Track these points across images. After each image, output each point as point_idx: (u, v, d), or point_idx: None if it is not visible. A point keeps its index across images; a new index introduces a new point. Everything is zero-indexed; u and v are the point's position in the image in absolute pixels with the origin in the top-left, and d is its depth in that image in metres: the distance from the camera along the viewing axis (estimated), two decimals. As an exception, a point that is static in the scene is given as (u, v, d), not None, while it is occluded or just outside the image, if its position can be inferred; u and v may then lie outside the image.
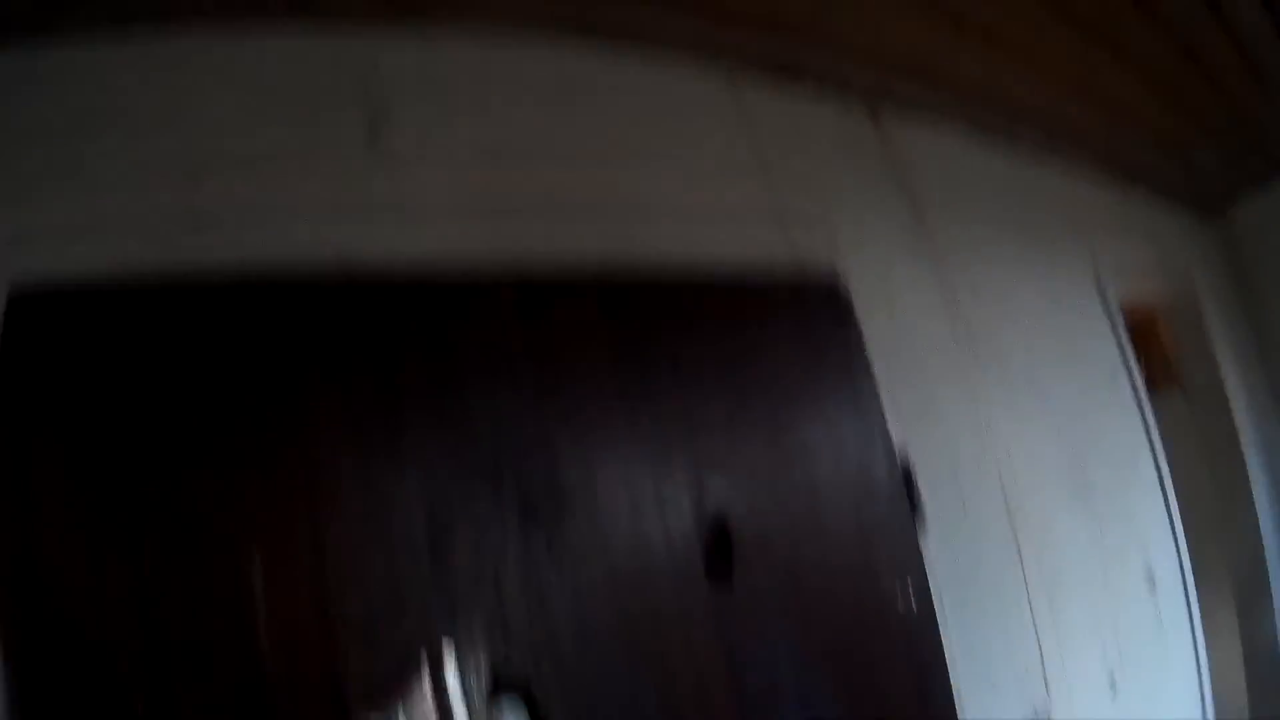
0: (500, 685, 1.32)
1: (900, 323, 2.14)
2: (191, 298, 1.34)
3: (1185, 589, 2.82)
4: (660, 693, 1.45)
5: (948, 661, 1.90)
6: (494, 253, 1.57)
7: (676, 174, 1.93)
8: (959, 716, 1.91)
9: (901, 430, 1.98)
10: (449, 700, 1.29)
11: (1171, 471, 2.88)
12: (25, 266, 1.26)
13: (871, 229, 2.25)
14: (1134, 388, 2.87)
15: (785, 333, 1.84)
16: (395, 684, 1.27)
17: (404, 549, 1.33)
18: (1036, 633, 2.23)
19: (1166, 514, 2.83)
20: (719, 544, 1.58)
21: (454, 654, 1.30)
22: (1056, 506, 2.41)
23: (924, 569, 1.90)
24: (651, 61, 2.05)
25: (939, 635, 1.90)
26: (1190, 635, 2.80)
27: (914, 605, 1.86)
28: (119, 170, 1.40)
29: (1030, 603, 2.23)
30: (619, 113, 1.93)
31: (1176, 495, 2.86)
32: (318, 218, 1.50)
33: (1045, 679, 2.23)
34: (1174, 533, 2.84)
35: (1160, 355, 3.59)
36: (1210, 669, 2.79)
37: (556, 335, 1.55)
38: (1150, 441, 2.85)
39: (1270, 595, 3.14)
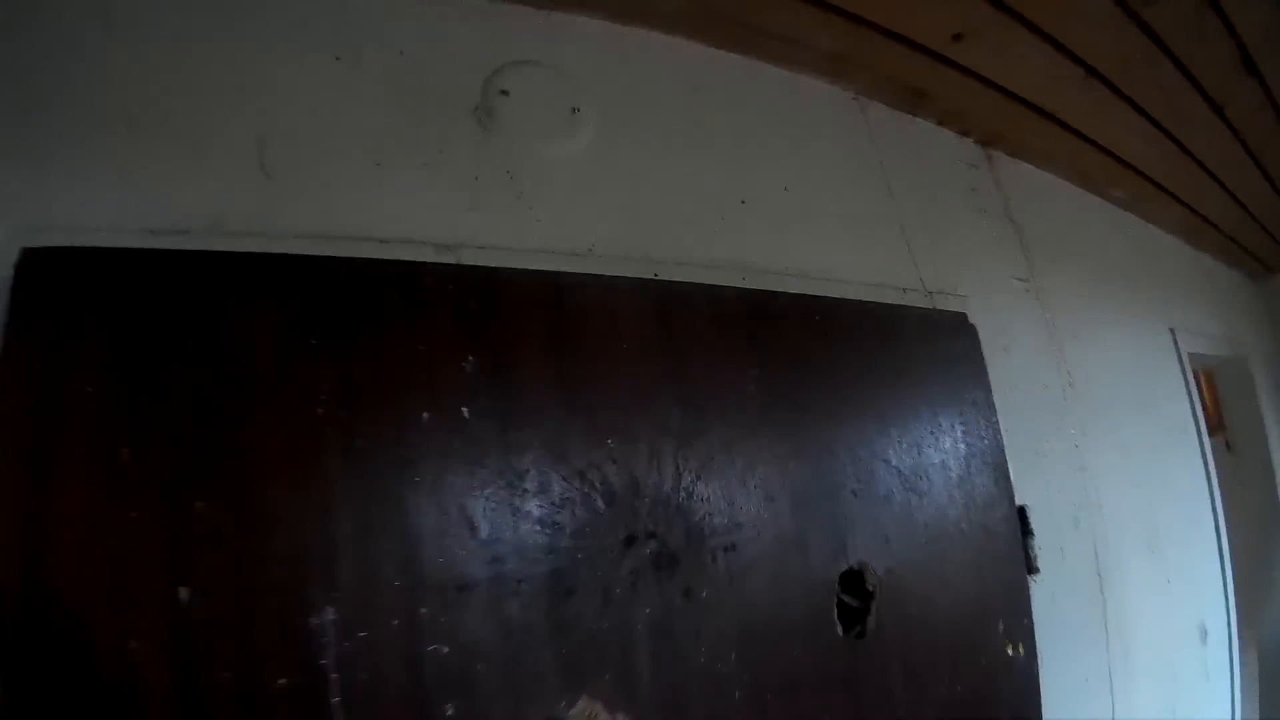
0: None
1: (1014, 364, 1.89)
2: (270, 270, 1.10)
3: (1230, 643, 2.55)
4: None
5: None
6: (620, 250, 1.33)
7: (808, 186, 1.68)
8: (1043, 766, 1.67)
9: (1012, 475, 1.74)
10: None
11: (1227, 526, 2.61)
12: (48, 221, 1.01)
13: (989, 266, 1.99)
14: (1201, 444, 2.60)
15: (920, 364, 1.58)
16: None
17: (517, 596, 1.07)
18: (1111, 684, 1.98)
19: (1220, 568, 2.56)
20: (856, 597, 1.33)
21: (574, 715, 1.05)
22: (1134, 557, 2.15)
23: (1031, 616, 1.66)
24: (783, 70, 1.81)
25: (1038, 685, 1.65)
26: (1229, 691, 2.54)
27: (1021, 653, 1.61)
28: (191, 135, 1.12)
29: (1108, 653, 1.99)
30: (751, 117, 1.68)
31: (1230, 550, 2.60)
32: (415, 200, 1.24)
33: (1113, 726, 1.99)
34: (1225, 586, 2.57)
35: (1205, 407, 3.32)
36: (1245, 725, 2.54)
37: (699, 348, 1.29)
38: (1212, 497, 2.58)
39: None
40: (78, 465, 0.95)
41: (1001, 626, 1.57)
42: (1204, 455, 2.59)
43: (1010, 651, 1.59)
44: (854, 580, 1.33)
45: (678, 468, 1.17)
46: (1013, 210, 2.19)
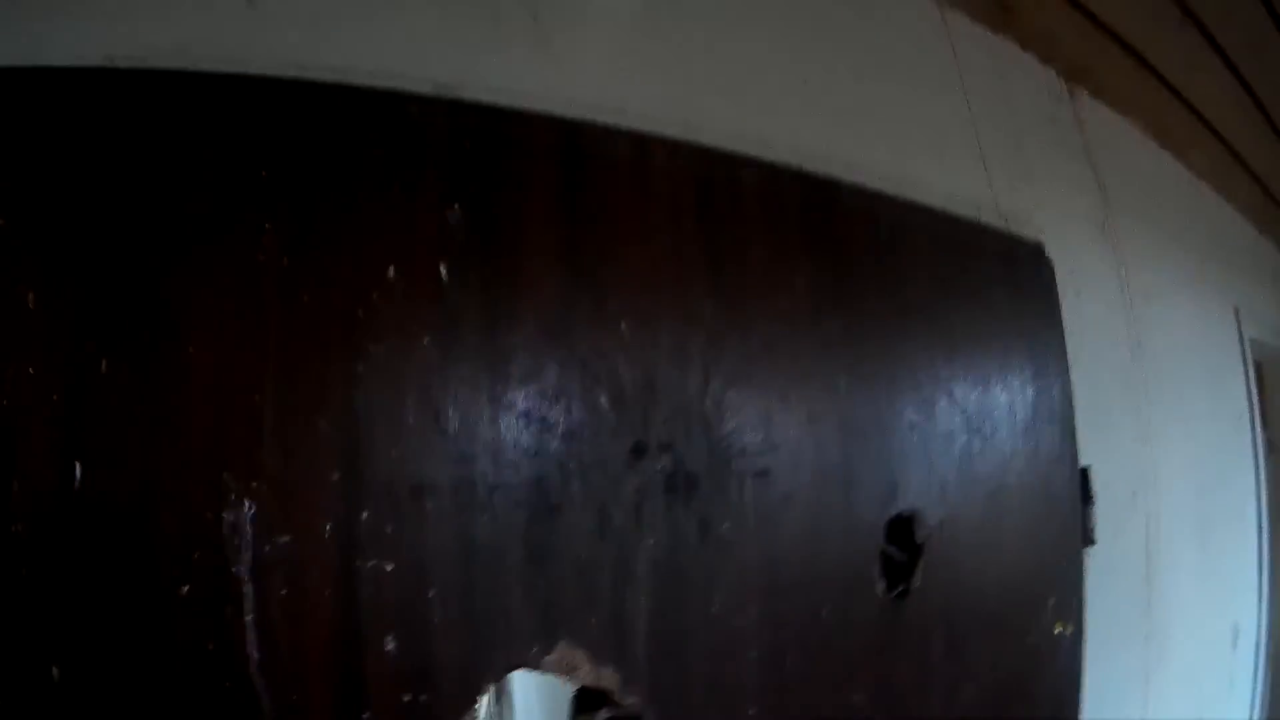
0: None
1: (1085, 311, 1.61)
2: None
3: (1258, 649, 2.32)
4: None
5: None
6: (659, 113, 1.03)
7: (879, 80, 1.38)
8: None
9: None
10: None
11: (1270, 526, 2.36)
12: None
13: (1065, 203, 1.71)
14: (1254, 435, 2.34)
15: (994, 291, 1.31)
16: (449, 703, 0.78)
17: (487, 509, 0.81)
18: (1146, 678, 1.74)
19: (1258, 569, 2.32)
20: (902, 549, 1.08)
21: (547, 668, 0.80)
22: (1183, 545, 1.90)
23: (1083, 595, 1.41)
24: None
25: (1081, 674, 1.41)
26: (1250, 699, 2.31)
27: (1069, 635, 1.37)
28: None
29: (1147, 646, 1.75)
30: (828, 8, 1.39)
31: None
32: (419, 35, 0.98)
33: (1142, 730, 1.76)
34: (1260, 591, 2.33)
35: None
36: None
37: (743, 229, 1.01)
38: (1258, 493, 2.33)
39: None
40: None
41: (1052, 602, 1.32)
42: (1255, 448, 2.33)
43: (1058, 631, 1.34)
44: (902, 530, 1.07)
45: (705, 368, 0.91)
46: (1092, 151, 1.89)
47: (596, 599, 0.82)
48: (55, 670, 0.73)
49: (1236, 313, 2.38)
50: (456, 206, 0.88)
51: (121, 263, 0.80)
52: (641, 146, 0.95)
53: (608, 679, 0.81)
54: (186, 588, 0.74)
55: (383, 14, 1.00)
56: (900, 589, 1.06)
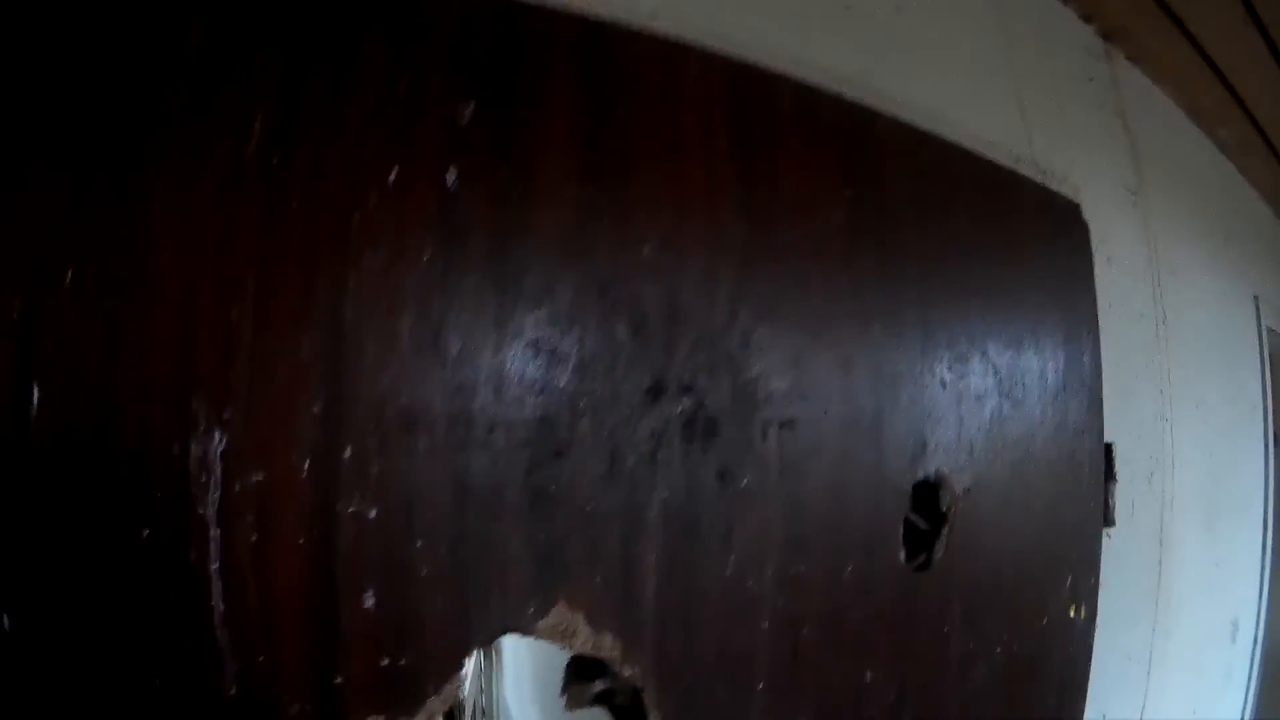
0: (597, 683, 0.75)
1: (1114, 280, 1.53)
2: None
3: (1255, 644, 2.28)
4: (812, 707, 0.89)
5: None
6: (692, 22, 0.91)
7: (922, 13, 1.27)
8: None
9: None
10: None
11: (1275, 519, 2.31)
12: None
13: (1100, 165, 1.62)
14: (1265, 427, 2.28)
15: (1031, 246, 1.22)
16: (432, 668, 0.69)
17: (485, 447, 0.72)
18: (1149, 668, 1.69)
19: (1261, 564, 2.27)
20: (925, 517, 1.00)
21: (541, 633, 0.72)
22: (1194, 531, 1.85)
23: (1099, 575, 1.35)
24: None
25: (1090, 657, 1.35)
26: (1244, 694, 2.28)
27: (1082, 616, 1.30)
28: None
29: (1154, 631, 1.69)
30: None
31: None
32: None
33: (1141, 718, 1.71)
34: (1261, 585, 2.29)
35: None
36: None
37: (779, 151, 0.90)
38: (1266, 485, 2.27)
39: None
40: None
41: (1069, 582, 1.25)
42: (1265, 439, 2.27)
43: (1073, 613, 1.28)
44: (927, 495, 0.99)
45: (734, 300, 0.81)
46: (1127, 116, 1.80)
47: (602, 554, 0.74)
48: (4, 618, 0.64)
49: (1256, 301, 2.31)
50: (472, 105, 0.77)
51: (90, 155, 0.70)
52: (672, 53, 0.85)
53: (608, 647, 0.73)
54: (147, 530, 0.65)
55: None
56: (922, 559, 0.98)
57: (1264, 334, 2.29)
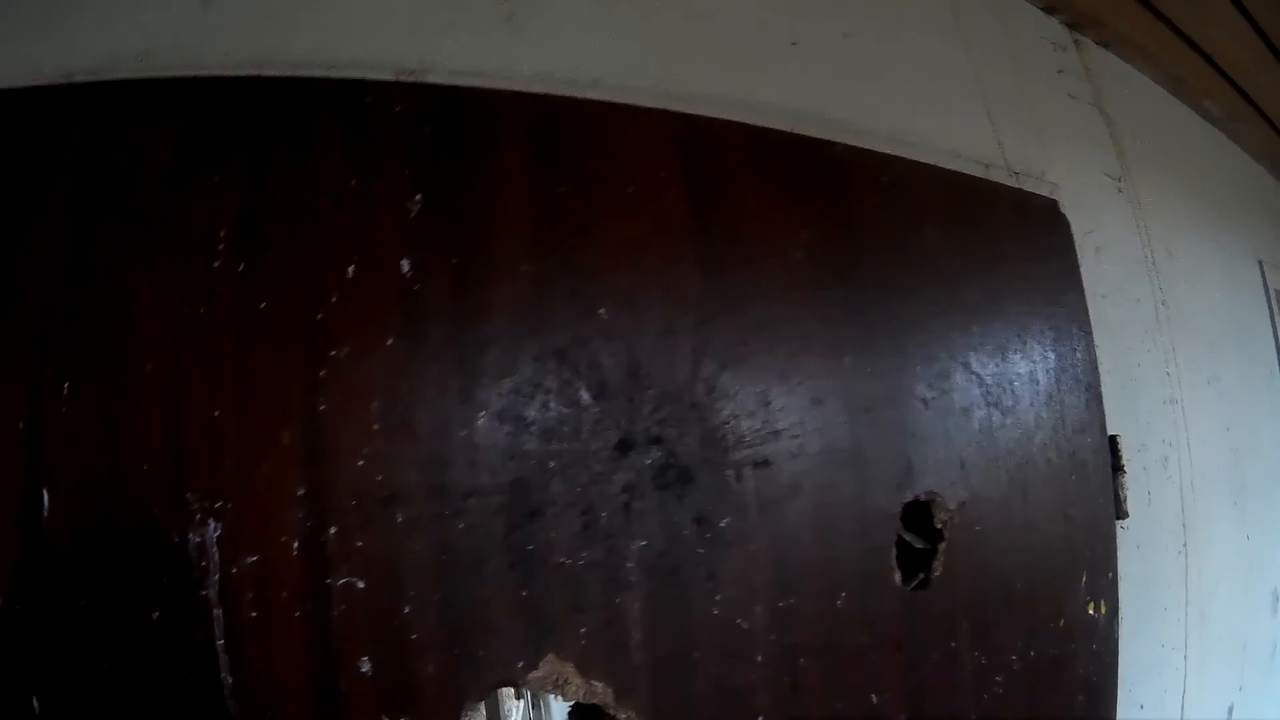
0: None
1: (1106, 269, 1.48)
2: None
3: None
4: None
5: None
6: (637, 83, 0.94)
7: (873, 34, 1.25)
8: (1114, 742, 1.33)
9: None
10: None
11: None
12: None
13: (1078, 156, 1.57)
14: (1286, 390, 2.18)
15: (1007, 252, 1.18)
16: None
17: (462, 515, 0.73)
18: (1186, 650, 1.62)
19: (1298, 530, 2.16)
20: (921, 536, 0.97)
21: (534, 684, 0.72)
22: (1220, 509, 1.77)
23: (1117, 570, 1.29)
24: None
25: (1117, 652, 1.29)
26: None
27: (1103, 613, 1.25)
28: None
29: (1186, 616, 1.62)
30: None
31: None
32: (378, 21, 0.90)
33: (1183, 703, 1.63)
34: (1301, 550, 2.17)
35: None
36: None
37: (732, 199, 0.89)
38: (1293, 450, 2.16)
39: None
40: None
41: (1085, 580, 1.20)
42: (1288, 402, 2.17)
43: (1092, 611, 1.23)
44: (919, 515, 0.97)
45: (696, 351, 0.80)
46: (1103, 103, 1.74)
47: (585, 607, 0.73)
48: (35, 701, 0.68)
49: (1261, 265, 2.22)
50: (418, 196, 0.79)
51: (77, 279, 0.75)
52: (616, 117, 0.85)
53: (600, 693, 0.72)
54: (157, 613, 0.69)
55: (343, 3, 0.92)
56: (920, 579, 0.95)
57: (1272, 298, 2.19)
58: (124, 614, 0.68)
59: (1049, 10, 1.76)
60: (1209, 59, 2.13)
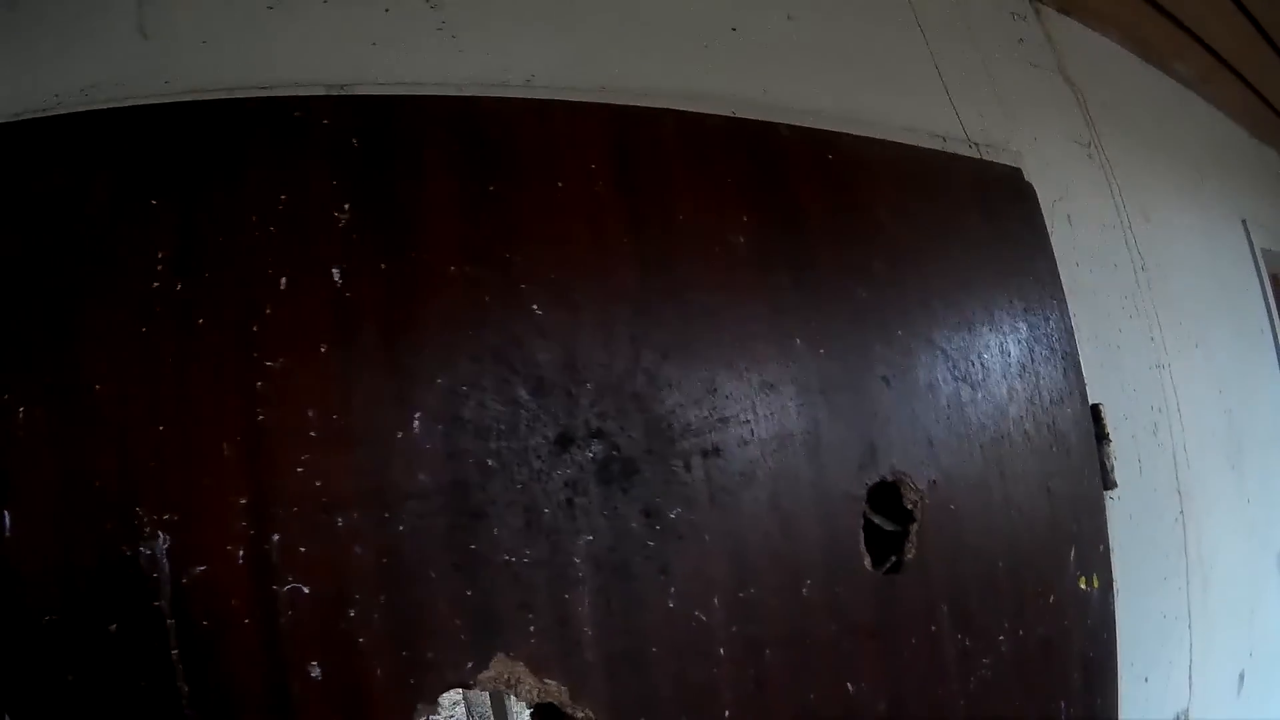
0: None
1: (1079, 236, 1.45)
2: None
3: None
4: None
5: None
6: (569, 80, 0.92)
7: (817, 14, 1.23)
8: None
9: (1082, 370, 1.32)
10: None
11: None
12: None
13: (1044, 124, 1.54)
14: (1277, 348, 2.13)
15: (969, 224, 1.15)
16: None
17: (403, 518, 0.72)
18: (1190, 619, 1.57)
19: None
20: (891, 519, 0.94)
21: (484, 684, 0.71)
22: (1216, 474, 1.72)
23: (1108, 542, 1.26)
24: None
25: (1114, 626, 1.26)
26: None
27: (1096, 587, 1.22)
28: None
29: (1188, 584, 1.58)
30: None
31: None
32: (310, 41, 0.89)
33: (1190, 673, 1.59)
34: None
35: None
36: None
37: (668, 189, 0.88)
38: (1294, 410, 2.12)
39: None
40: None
41: (1073, 554, 1.17)
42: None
43: (1084, 586, 1.19)
44: (888, 496, 0.94)
45: (635, 343, 0.79)
46: (1067, 69, 1.72)
47: (533, 605, 0.71)
48: (5, 715, 0.68)
49: (1244, 224, 2.18)
50: (346, 206, 0.78)
51: (28, 309, 0.74)
52: (543, 113, 0.84)
53: (554, 692, 0.70)
54: (114, 625, 0.70)
55: (274, 25, 0.92)
56: (892, 562, 0.93)
57: (1259, 256, 2.15)
58: (85, 628, 0.69)
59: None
60: (1176, 21, 2.10)
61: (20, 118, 0.83)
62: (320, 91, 0.87)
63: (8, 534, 0.69)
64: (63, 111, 0.84)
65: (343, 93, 0.86)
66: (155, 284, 0.76)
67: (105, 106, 0.84)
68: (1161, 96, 2.10)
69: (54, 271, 0.76)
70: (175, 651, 0.69)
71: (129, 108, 0.84)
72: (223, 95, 0.86)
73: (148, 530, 0.70)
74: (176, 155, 0.80)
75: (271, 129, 0.82)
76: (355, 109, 0.83)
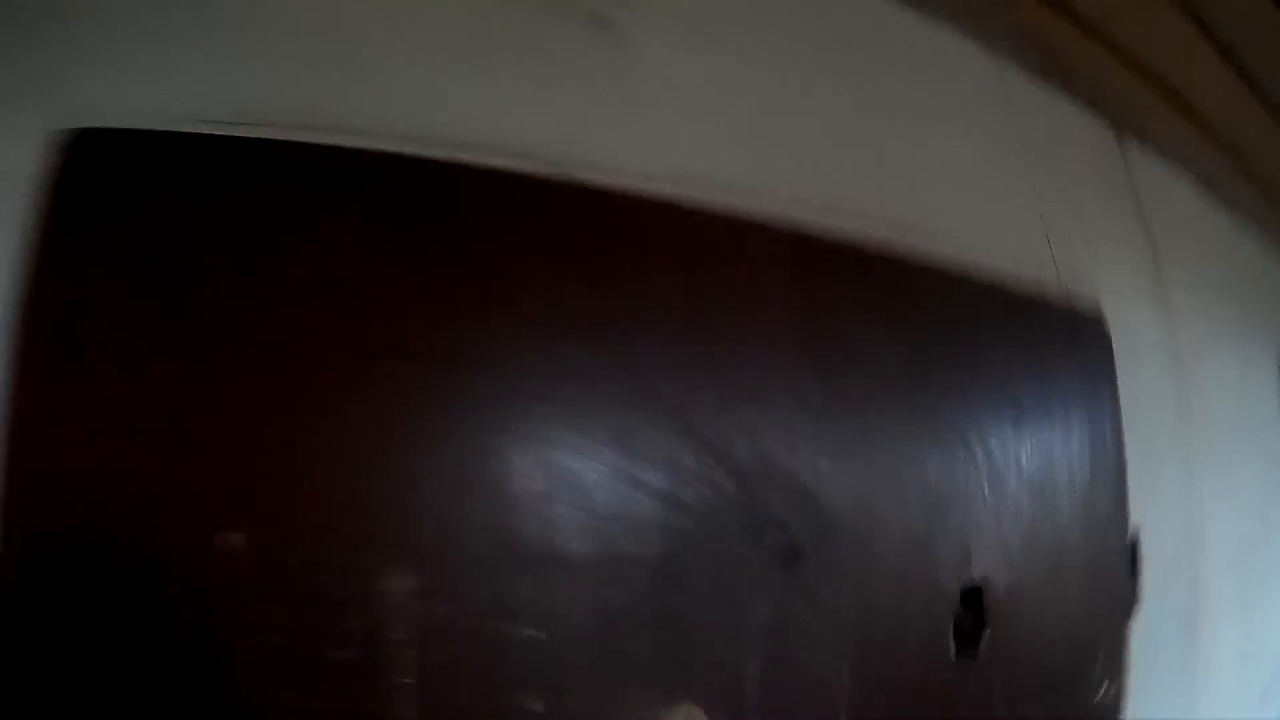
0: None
1: (1136, 376, 1.82)
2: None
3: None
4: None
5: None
6: (752, 183, 1.18)
7: (943, 152, 1.58)
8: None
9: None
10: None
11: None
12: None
13: (1119, 263, 1.90)
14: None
15: (1055, 362, 1.50)
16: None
17: (623, 580, 0.96)
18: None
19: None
20: (970, 616, 1.28)
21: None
22: (1229, 605, 2.11)
23: (1128, 652, 1.62)
24: (928, 22, 1.72)
25: (1122, 721, 1.62)
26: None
27: (1112, 692, 1.58)
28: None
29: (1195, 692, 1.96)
30: (888, 68, 1.58)
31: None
32: (518, 110, 1.05)
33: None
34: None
35: None
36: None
37: (838, 310, 1.18)
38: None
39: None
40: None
41: (1100, 659, 1.53)
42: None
43: (1102, 690, 1.55)
44: (972, 597, 1.27)
45: (814, 450, 1.10)
46: (1141, 203, 2.09)
47: (715, 661, 1.00)
48: None
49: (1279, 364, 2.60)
50: (582, 286, 1.04)
51: (276, 334, 0.89)
52: (739, 228, 1.13)
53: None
54: (344, 652, 0.85)
55: (480, 89, 1.05)
56: (968, 652, 1.26)
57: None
58: (309, 649, 0.85)
59: (1092, 107, 2.10)
60: (1239, 154, 2.52)
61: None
62: (542, 165, 1.03)
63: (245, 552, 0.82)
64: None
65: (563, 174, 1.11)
66: (409, 337, 1.02)
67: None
68: (1218, 230, 2.46)
69: (305, 307, 0.90)
70: (408, 680, 0.86)
71: (370, 151, 0.99)
72: (429, 139, 0.98)
73: (390, 567, 0.87)
74: (413, 208, 0.99)
75: (502, 200, 1.05)
76: (581, 195, 1.08)
